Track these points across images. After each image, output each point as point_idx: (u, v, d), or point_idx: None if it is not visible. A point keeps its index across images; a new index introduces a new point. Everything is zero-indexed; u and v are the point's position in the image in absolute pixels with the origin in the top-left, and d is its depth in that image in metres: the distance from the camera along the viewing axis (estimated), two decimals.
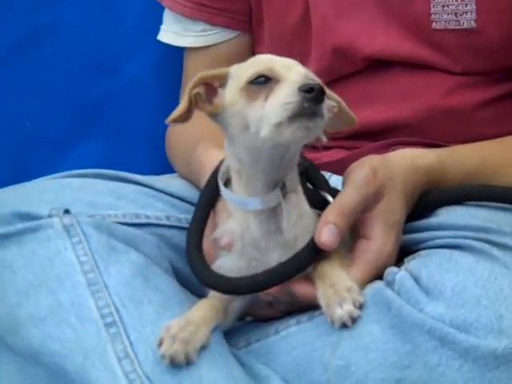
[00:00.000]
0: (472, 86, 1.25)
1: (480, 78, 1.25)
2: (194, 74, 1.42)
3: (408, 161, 1.08)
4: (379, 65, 1.27)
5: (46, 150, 1.51)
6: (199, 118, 1.33)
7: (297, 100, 0.91)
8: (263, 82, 0.95)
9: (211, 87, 1.00)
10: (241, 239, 1.02)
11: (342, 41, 1.28)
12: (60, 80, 1.51)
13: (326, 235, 0.99)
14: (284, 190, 1.00)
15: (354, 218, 1.02)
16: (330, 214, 1.00)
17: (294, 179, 1.02)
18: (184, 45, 1.42)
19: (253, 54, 1.41)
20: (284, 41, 1.34)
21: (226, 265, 1.03)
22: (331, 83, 1.31)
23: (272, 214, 1.01)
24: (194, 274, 1.03)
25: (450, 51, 1.24)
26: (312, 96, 0.91)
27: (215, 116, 1.00)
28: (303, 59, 1.32)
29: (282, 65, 0.97)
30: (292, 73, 0.95)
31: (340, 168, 1.09)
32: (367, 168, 1.03)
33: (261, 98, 0.94)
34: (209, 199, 1.06)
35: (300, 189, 1.03)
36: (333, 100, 1.03)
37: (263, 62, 0.98)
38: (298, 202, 1.02)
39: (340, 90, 1.30)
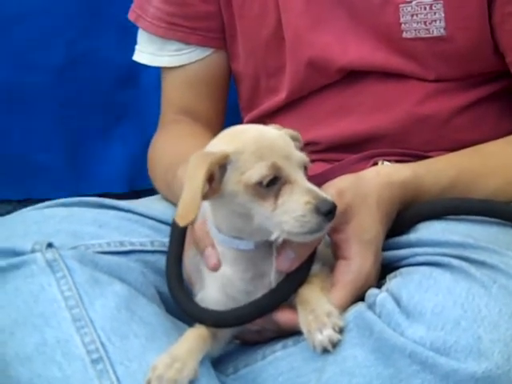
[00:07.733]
0: (446, 93, 1.25)
1: (454, 85, 1.25)
2: (172, 94, 1.43)
3: (383, 178, 1.08)
4: (353, 76, 1.27)
5: None
6: (180, 138, 1.33)
7: (316, 222, 0.93)
8: (272, 182, 0.95)
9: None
10: (221, 280, 1.02)
11: (316, 53, 1.28)
12: None
13: (282, 260, 0.99)
14: None
15: (317, 242, 1.02)
16: None
17: None
18: (160, 65, 1.41)
19: (229, 70, 1.41)
20: (258, 56, 1.34)
21: (209, 297, 1.03)
22: (307, 96, 1.33)
23: (257, 259, 1.01)
24: (179, 307, 1.03)
25: (421, 59, 1.24)
26: (330, 217, 0.94)
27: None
28: (278, 73, 1.33)
29: (282, 156, 0.95)
30: (297, 172, 0.95)
31: (322, 182, 1.08)
32: (333, 190, 1.03)
33: (270, 200, 0.94)
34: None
35: None
36: None
37: (262, 150, 0.95)
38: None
39: (316, 103, 1.32)
